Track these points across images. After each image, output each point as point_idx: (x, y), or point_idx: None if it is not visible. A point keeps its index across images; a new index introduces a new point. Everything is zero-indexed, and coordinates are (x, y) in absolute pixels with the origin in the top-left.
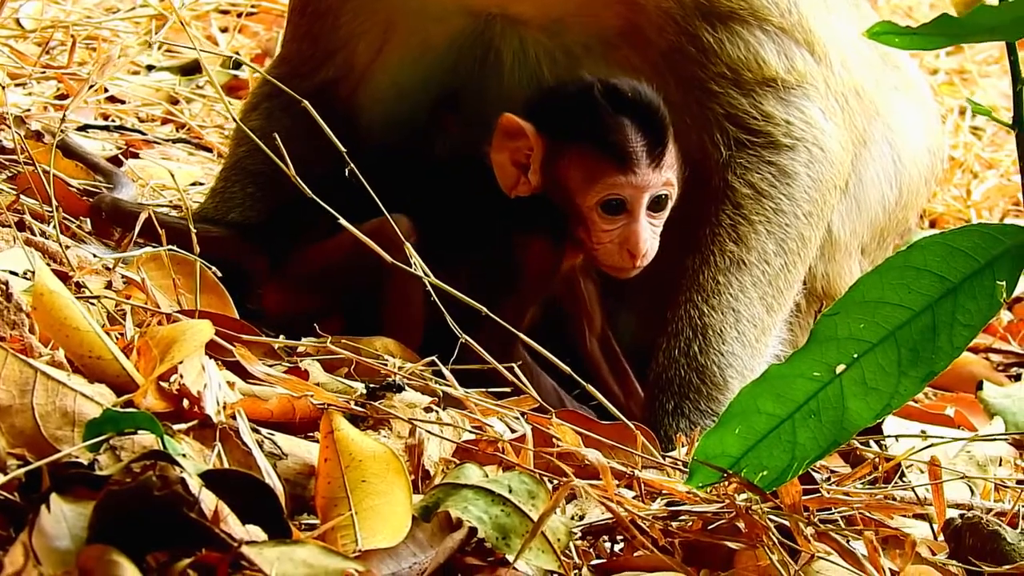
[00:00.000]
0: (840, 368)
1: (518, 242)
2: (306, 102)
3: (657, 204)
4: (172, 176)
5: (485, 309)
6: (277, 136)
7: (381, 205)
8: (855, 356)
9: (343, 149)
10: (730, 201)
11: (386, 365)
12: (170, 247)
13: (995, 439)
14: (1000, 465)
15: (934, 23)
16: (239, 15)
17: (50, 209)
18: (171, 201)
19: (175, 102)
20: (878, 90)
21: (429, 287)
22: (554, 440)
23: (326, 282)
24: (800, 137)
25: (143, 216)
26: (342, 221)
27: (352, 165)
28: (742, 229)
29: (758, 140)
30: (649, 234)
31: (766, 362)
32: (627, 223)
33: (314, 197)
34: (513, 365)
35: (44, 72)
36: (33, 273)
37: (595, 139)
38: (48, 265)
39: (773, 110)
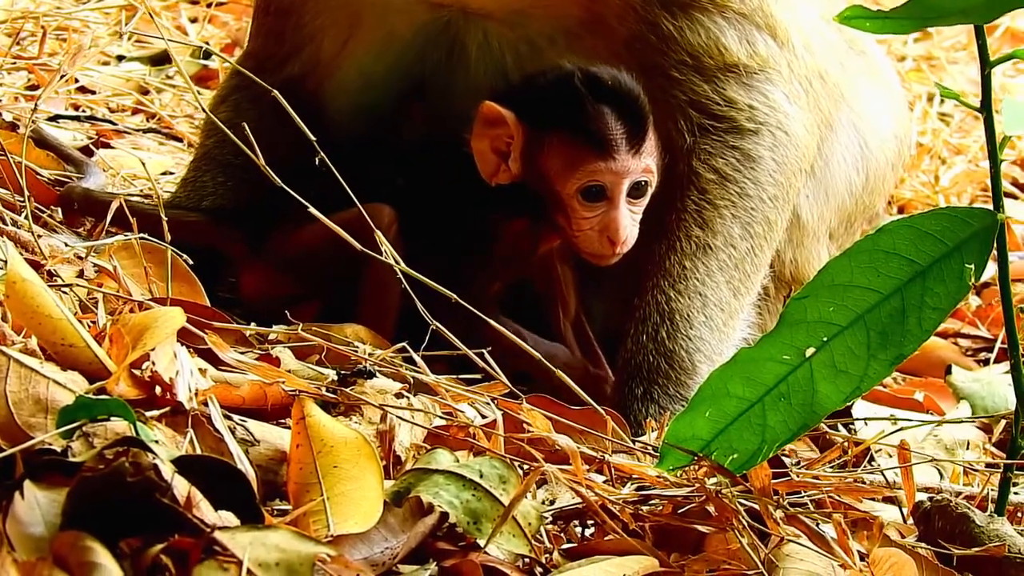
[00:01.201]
0: (810, 351)
1: (495, 223)
2: (276, 92)
3: (637, 191)
4: (143, 165)
5: (455, 296)
6: (246, 126)
7: (352, 194)
8: (824, 339)
9: (313, 138)
10: (695, 187)
11: (357, 352)
12: (142, 235)
13: (964, 422)
14: (968, 449)
15: (905, 7)
16: (208, 5)
17: (21, 199)
18: (142, 190)
19: (145, 92)
20: (844, 75)
21: (400, 275)
22: (524, 425)
23: (304, 268)
24: (764, 121)
25: (115, 204)
26: (312, 211)
27: (322, 154)
28: (707, 214)
29: (721, 125)
30: (629, 221)
31: (734, 346)
32: (607, 210)
33: (283, 186)
34: (483, 351)
35: (15, 63)
36: (5, 262)
37: (575, 126)
38: (20, 254)
39: (736, 95)
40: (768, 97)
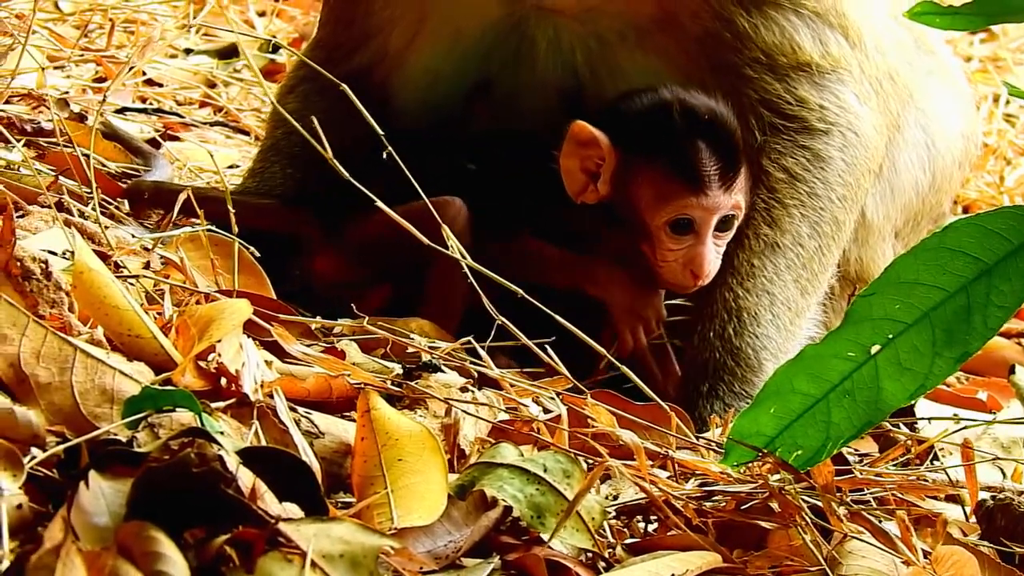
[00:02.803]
0: (875, 348)
1: (599, 229)
2: (344, 86)
3: (724, 224)
4: (211, 157)
5: (522, 292)
6: (315, 119)
7: (419, 188)
8: (890, 336)
9: (381, 132)
10: (765, 185)
11: (422, 346)
12: (209, 227)
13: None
14: None
15: (974, 3)
16: None
17: (88, 191)
18: (209, 183)
19: (212, 85)
20: (912, 74)
21: (465, 269)
22: (589, 420)
23: (373, 255)
24: (834, 122)
25: (183, 195)
26: (380, 204)
27: (390, 148)
28: (776, 212)
29: (792, 125)
30: (714, 256)
31: (800, 344)
32: (694, 244)
33: (351, 180)
34: (545, 344)
35: (83, 55)
36: (72, 253)
37: (670, 159)
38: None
39: (807, 95)
40: (839, 97)
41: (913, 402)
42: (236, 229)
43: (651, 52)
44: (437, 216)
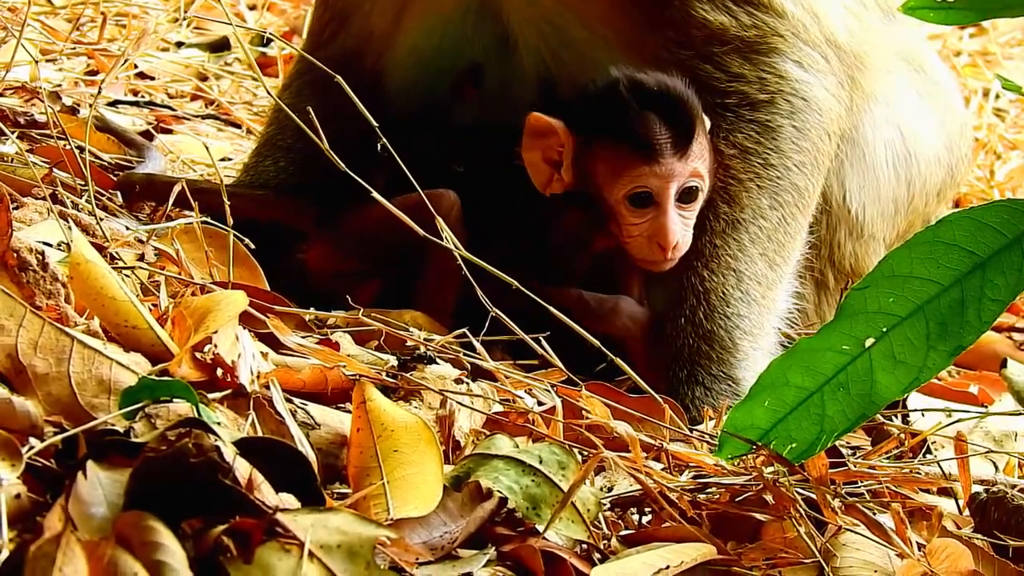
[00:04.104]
0: (869, 342)
1: (549, 215)
2: (339, 77)
3: (688, 196)
4: (207, 149)
5: (515, 282)
6: (311, 110)
7: (414, 180)
8: (884, 330)
9: (375, 123)
10: (720, 164)
11: (416, 337)
12: (203, 219)
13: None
14: (1016, 440)
15: None
16: None
17: (82, 183)
18: (203, 175)
19: (204, 78)
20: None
21: (460, 261)
22: (583, 412)
23: (366, 246)
24: (776, 90)
25: (177, 187)
26: (376, 196)
27: (384, 140)
28: (733, 189)
29: (731, 101)
30: (679, 226)
31: (777, 317)
32: (655, 216)
33: (348, 171)
34: (540, 337)
35: (74, 48)
36: (67, 245)
37: (620, 132)
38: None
39: (741, 70)
40: (775, 67)
41: (906, 395)
42: (231, 221)
43: (617, 47)
44: (432, 208)
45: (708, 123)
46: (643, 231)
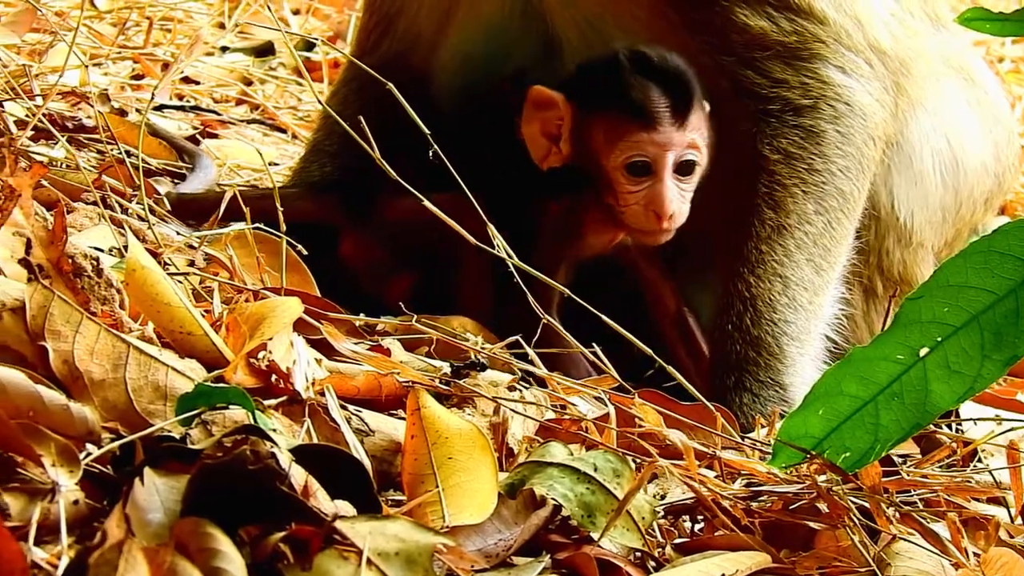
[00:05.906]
0: (924, 351)
1: (538, 204)
2: (391, 85)
3: (685, 168)
4: (259, 154)
5: (568, 291)
6: (363, 119)
7: (464, 187)
8: (938, 339)
9: (427, 131)
10: (763, 170)
11: (468, 344)
12: (256, 225)
13: None
14: None
15: None
16: None
17: (133, 190)
18: (248, 181)
19: (249, 83)
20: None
21: (512, 267)
22: (636, 420)
23: (405, 242)
24: (819, 95)
25: (228, 195)
26: (427, 204)
27: (436, 147)
28: (778, 195)
29: (774, 107)
30: (676, 195)
31: (823, 323)
32: (652, 184)
33: (399, 179)
34: (595, 346)
35: (120, 52)
36: (119, 250)
37: (619, 100)
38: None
39: (784, 76)
40: (818, 73)
41: (960, 405)
42: (283, 227)
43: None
44: (482, 214)
45: (707, 106)
46: (639, 199)
